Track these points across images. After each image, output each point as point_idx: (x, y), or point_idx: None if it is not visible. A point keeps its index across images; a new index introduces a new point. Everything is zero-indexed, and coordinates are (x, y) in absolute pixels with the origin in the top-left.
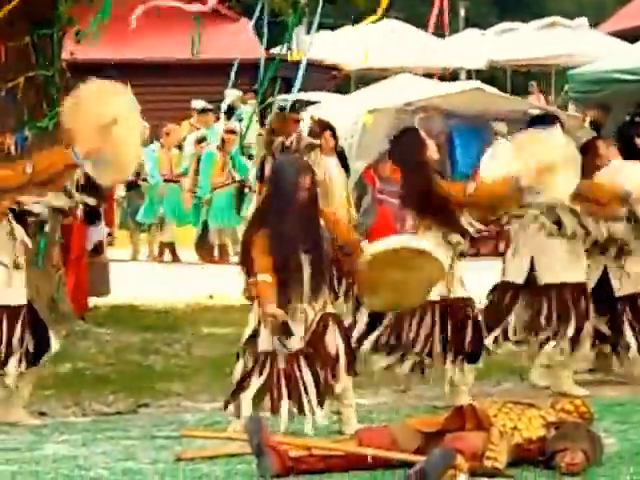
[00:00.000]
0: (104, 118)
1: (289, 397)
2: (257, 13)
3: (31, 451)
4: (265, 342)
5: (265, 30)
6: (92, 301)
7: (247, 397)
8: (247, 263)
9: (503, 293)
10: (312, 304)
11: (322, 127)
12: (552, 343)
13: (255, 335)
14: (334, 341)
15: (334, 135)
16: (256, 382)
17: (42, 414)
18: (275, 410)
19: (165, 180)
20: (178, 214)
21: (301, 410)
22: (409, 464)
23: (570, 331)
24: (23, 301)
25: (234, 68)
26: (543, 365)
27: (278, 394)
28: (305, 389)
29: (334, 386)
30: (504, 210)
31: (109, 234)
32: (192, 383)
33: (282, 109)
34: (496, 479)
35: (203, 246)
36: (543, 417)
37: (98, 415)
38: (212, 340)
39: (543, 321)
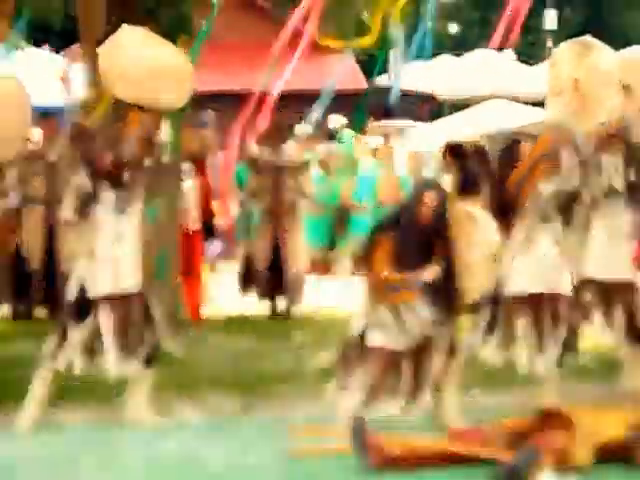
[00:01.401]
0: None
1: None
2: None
3: (155, 447)
4: (375, 338)
5: None
6: (207, 310)
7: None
8: (367, 256)
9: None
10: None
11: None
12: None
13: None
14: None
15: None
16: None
17: (163, 413)
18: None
19: None
20: None
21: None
22: (499, 461)
23: None
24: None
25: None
26: (629, 369)
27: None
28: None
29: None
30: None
31: None
32: (300, 385)
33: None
34: (580, 475)
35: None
36: (625, 419)
37: (214, 414)
38: (319, 346)
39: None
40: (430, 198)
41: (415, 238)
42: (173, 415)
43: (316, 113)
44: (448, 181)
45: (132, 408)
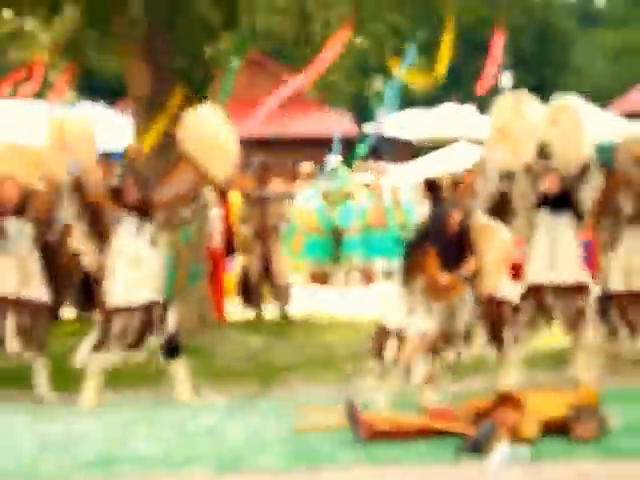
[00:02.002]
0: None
1: None
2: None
3: (189, 422)
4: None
5: None
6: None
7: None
8: (414, 262)
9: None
10: None
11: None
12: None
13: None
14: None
15: (429, 187)
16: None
17: (196, 396)
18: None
19: None
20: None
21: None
22: (465, 434)
23: None
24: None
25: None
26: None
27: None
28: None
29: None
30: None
31: None
32: (306, 375)
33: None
34: (529, 446)
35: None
36: (565, 399)
37: (236, 397)
38: (320, 342)
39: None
40: (455, 215)
41: (447, 245)
42: (203, 397)
43: (334, 159)
44: (424, 208)
45: (180, 392)
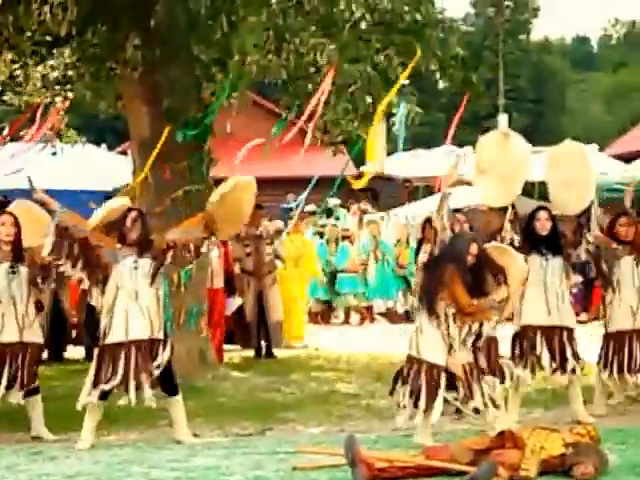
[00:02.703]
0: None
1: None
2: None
3: (187, 462)
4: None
5: None
6: (229, 352)
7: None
8: (440, 287)
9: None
10: None
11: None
12: None
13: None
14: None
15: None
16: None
17: (195, 435)
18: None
19: None
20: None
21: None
22: (463, 473)
23: None
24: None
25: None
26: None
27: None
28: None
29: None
30: None
31: None
32: (304, 413)
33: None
34: None
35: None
36: (563, 439)
37: (235, 436)
38: (318, 381)
39: None
40: (474, 248)
41: (467, 275)
42: (202, 437)
43: (334, 200)
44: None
45: (178, 431)
